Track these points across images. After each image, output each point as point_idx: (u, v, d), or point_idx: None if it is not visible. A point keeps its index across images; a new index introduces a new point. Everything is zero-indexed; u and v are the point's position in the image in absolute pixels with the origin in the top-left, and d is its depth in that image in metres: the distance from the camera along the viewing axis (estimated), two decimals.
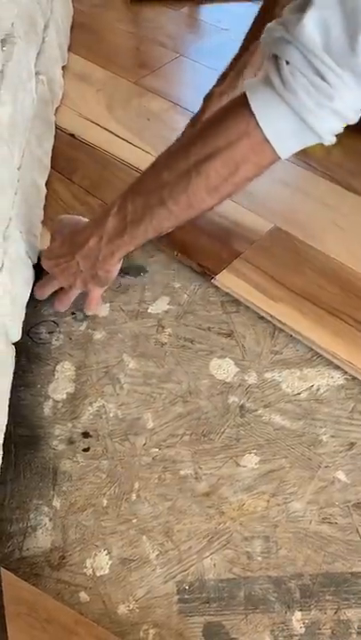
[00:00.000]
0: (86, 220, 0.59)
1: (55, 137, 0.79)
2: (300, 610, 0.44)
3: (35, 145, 0.68)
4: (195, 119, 0.68)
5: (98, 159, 0.77)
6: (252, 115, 0.44)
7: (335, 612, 0.44)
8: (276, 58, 0.42)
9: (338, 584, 0.46)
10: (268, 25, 0.44)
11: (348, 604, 0.45)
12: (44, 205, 0.69)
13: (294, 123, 0.43)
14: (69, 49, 0.95)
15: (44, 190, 0.70)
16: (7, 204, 0.56)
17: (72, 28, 0.99)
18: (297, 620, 0.44)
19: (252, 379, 0.58)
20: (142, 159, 0.76)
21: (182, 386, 0.58)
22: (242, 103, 0.45)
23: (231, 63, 0.66)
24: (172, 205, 0.50)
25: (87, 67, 0.92)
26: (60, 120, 0.82)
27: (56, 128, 0.81)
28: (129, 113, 0.84)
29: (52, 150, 0.77)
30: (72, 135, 0.80)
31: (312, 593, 0.45)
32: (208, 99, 0.67)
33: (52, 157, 0.76)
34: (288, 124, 0.43)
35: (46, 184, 0.72)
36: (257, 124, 0.44)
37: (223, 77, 0.66)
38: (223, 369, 0.59)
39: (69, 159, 0.77)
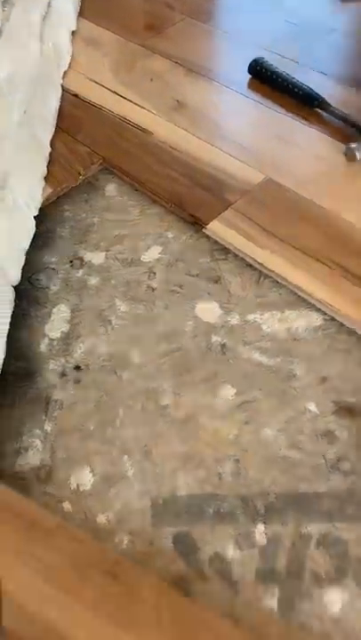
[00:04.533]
0: None
1: (62, 98, 0.83)
2: (264, 523, 0.48)
3: (39, 104, 0.72)
4: None
5: (103, 119, 0.81)
6: None
7: (296, 527, 0.47)
8: None
9: (301, 502, 0.48)
10: None
11: (309, 519, 0.48)
12: (48, 162, 0.74)
13: None
14: (80, 14, 0.98)
15: (47, 147, 0.74)
16: (4, 155, 0.60)
17: None
18: (260, 533, 0.47)
19: (234, 320, 0.61)
20: (145, 118, 0.79)
21: (169, 327, 0.61)
22: None
23: None
24: None
25: (96, 31, 0.94)
26: (67, 83, 0.85)
27: (64, 90, 0.84)
28: (133, 74, 0.87)
29: (58, 110, 0.80)
30: (76, 96, 0.83)
31: (276, 509, 0.48)
32: None
33: (57, 117, 0.80)
34: None
35: (51, 142, 0.76)
36: None
37: None
38: (208, 311, 0.62)
39: (74, 119, 0.81)
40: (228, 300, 0.62)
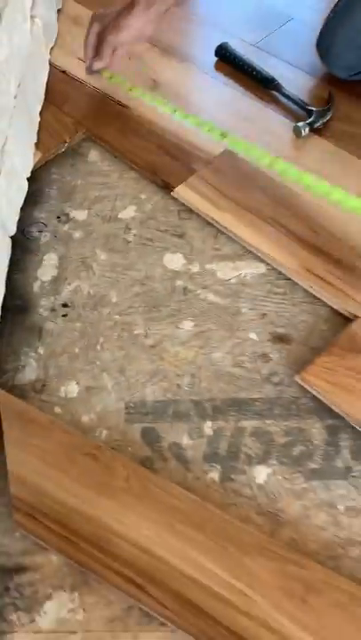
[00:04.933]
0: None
1: (50, 73, 0.92)
2: (211, 420, 0.62)
3: (30, 79, 0.82)
4: None
5: (87, 94, 0.91)
6: None
7: (235, 423, 0.62)
8: None
9: (240, 405, 0.63)
10: None
11: (245, 417, 0.62)
12: (38, 131, 0.84)
13: None
14: None
15: (37, 117, 0.84)
16: (4, 125, 0.71)
17: None
18: (207, 427, 0.62)
19: (195, 268, 0.73)
20: (124, 93, 0.90)
21: (141, 273, 0.74)
22: None
23: None
24: None
25: (80, 10, 1.03)
26: (54, 58, 0.95)
27: (51, 65, 0.94)
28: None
29: (47, 85, 0.90)
30: (64, 72, 0.93)
31: (220, 410, 0.62)
32: None
33: (46, 91, 0.90)
34: None
35: (40, 113, 0.86)
36: None
37: None
38: (174, 261, 0.75)
39: (61, 93, 0.91)
40: (191, 252, 0.75)
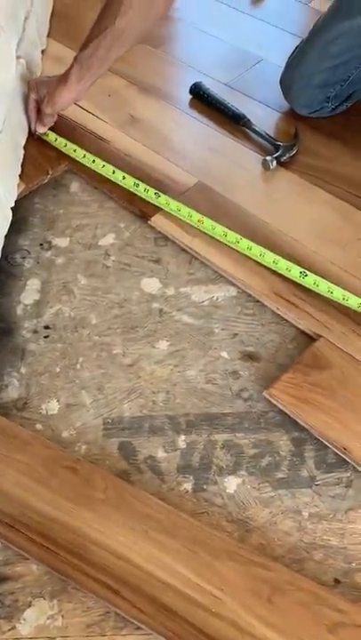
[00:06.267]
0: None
1: None
2: (184, 434, 0.66)
3: (15, 114, 0.87)
4: None
5: (68, 127, 0.96)
6: None
7: (208, 436, 0.65)
8: None
9: (212, 419, 0.67)
10: None
11: (216, 431, 0.66)
12: (22, 162, 0.89)
13: None
14: (48, 35, 1.13)
15: (22, 150, 0.89)
16: None
17: (52, 15, 1.17)
18: (181, 440, 0.65)
19: (170, 292, 0.78)
20: (102, 128, 0.96)
21: (119, 296, 0.78)
22: None
23: None
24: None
25: (63, 50, 1.10)
26: None
27: None
28: (94, 89, 1.02)
29: None
30: None
31: (193, 425, 0.66)
32: None
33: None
34: None
35: (24, 146, 0.91)
36: None
37: None
38: (150, 285, 0.79)
39: None
40: (166, 277, 0.80)
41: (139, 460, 0.64)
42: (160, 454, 0.65)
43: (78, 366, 0.72)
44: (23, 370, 0.71)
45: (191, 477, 0.63)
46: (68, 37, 1.13)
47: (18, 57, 0.91)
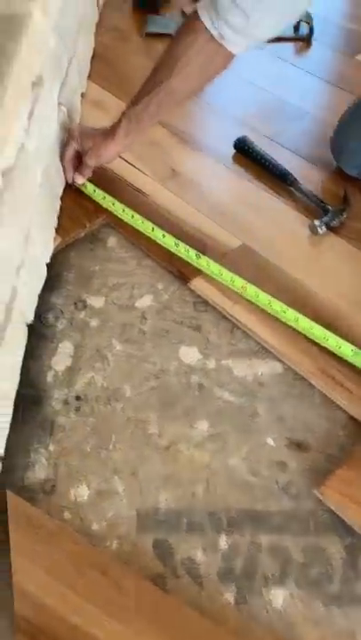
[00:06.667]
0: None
1: None
2: (226, 534, 0.60)
3: (54, 164, 0.84)
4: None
5: (107, 179, 0.92)
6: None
7: (252, 537, 0.59)
8: None
9: (256, 518, 0.61)
10: None
11: (261, 531, 0.60)
12: (59, 215, 0.85)
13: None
14: (88, 77, 1.10)
15: (59, 202, 0.86)
16: (28, 216, 0.71)
17: (92, 57, 1.14)
18: (222, 541, 0.59)
19: (211, 364, 0.73)
20: (141, 180, 0.92)
21: (156, 366, 0.73)
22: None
23: None
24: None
25: (103, 95, 1.07)
26: None
27: None
28: None
29: None
30: None
31: (236, 523, 0.60)
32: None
33: None
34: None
35: (61, 197, 0.87)
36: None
37: None
38: (189, 355, 0.74)
39: None
40: (206, 346, 0.75)
41: (175, 561, 0.58)
42: (199, 556, 0.59)
43: (111, 446, 0.66)
44: (52, 447, 0.66)
45: (233, 586, 0.57)
46: (108, 80, 1.11)
47: (59, 104, 0.88)
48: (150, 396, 0.70)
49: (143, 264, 0.83)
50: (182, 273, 0.81)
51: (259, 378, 0.72)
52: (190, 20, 0.71)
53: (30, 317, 0.72)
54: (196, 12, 0.70)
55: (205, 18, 0.68)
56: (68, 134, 0.87)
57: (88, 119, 1.01)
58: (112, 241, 0.86)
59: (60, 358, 0.74)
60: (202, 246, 0.83)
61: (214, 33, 0.68)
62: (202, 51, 0.70)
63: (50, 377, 0.72)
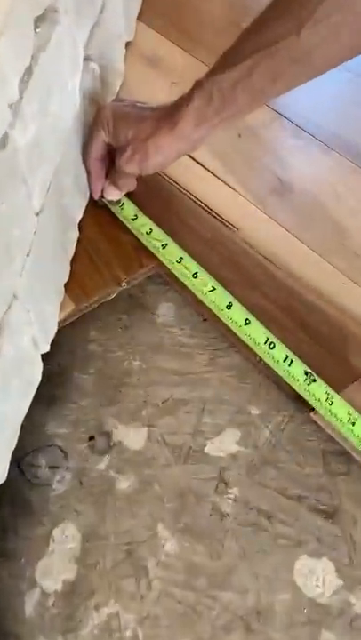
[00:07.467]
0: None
1: None
2: None
3: (70, 168, 0.46)
4: None
5: (158, 193, 0.54)
6: None
7: None
8: None
9: None
10: None
11: None
12: (72, 259, 0.48)
13: None
14: (139, 16, 0.71)
15: (74, 234, 0.48)
16: (11, 272, 0.35)
17: None
18: None
19: (358, 605, 0.35)
20: (225, 199, 0.52)
21: (247, 598, 0.36)
22: None
23: None
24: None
25: (162, 46, 0.67)
26: None
27: None
28: None
29: None
30: None
31: None
32: None
33: None
34: None
35: (80, 226, 0.49)
36: None
37: None
38: (316, 577, 0.37)
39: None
40: (351, 559, 0.37)
41: None
42: None
43: None
44: None
45: None
46: (171, 23, 0.70)
47: (87, 58, 0.50)
48: None
49: (221, 361, 0.45)
50: (297, 394, 0.43)
51: None
52: None
53: (1, 475, 0.36)
54: None
55: None
56: (96, 115, 0.49)
57: (134, 83, 0.63)
58: (165, 310, 0.48)
59: (55, 563, 0.37)
60: (339, 335, 0.44)
61: None
62: None
63: (30, 606, 0.36)
